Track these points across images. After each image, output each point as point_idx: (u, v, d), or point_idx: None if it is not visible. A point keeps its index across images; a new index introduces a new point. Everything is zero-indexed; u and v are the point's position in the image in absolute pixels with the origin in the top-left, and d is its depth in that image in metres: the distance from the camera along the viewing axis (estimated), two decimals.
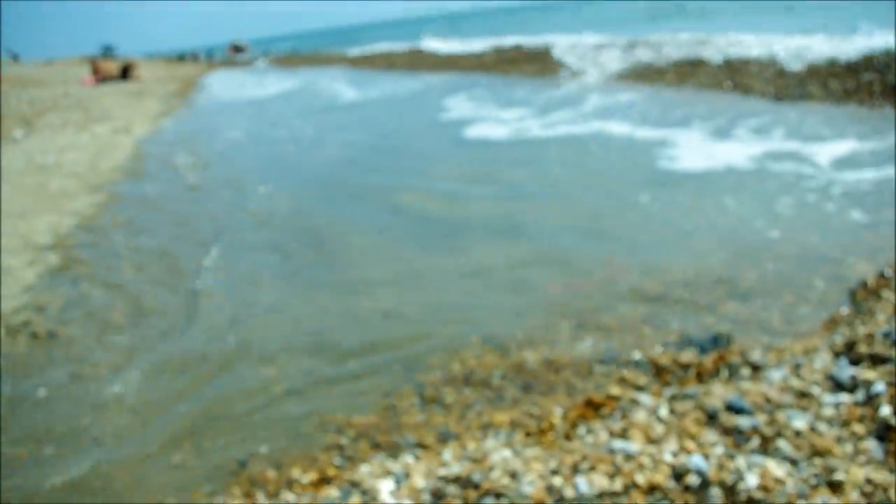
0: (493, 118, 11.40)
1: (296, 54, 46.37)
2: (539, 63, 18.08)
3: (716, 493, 2.09)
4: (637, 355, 3.40)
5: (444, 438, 2.86)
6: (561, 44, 19.27)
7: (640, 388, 3.05)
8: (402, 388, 3.31)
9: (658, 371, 3.22)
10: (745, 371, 2.93)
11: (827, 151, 7.02)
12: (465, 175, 7.58)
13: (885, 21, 11.85)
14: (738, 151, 7.44)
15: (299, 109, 16.01)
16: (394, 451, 2.81)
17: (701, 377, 3.03)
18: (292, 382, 3.48)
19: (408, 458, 2.64)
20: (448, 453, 2.60)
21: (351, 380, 3.45)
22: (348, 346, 3.81)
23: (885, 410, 2.35)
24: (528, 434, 2.72)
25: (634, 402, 2.73)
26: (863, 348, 2.80)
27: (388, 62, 26.79)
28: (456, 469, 2.38)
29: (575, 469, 2.26)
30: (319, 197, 7.29)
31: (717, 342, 3.44)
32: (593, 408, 2.80)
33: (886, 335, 2.86)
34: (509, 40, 22.73)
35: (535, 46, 20.14)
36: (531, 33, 24.47)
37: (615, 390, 2.91)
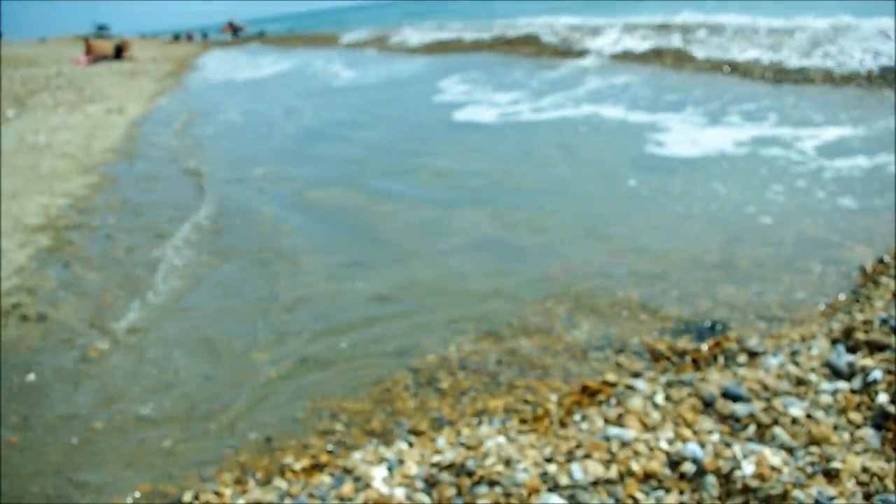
0: (487, 101, 11.28)
1: (292, 34, 46.01)
2: (536, 45, 17.94)
3: (711, 481, 2.07)
4: (633, 341, 3.38)
5: (438, 425, 2.84)
6: (559, 25, 19.10)
7: (636, 375, 3.03)
8: (396, 373, 3.28)
9: (654, 357, 3.20)
10: (742, 358, 2.91)
11: (822, 136, 6.97)
12: (456, 158, 7.52)
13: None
14: (732, 137, 7.37)
15: (294, 91, 15.85)
16: (387, 437, 2.79)
17: (697, 363, 3.01)
18: (285, 367, 3.45)
19: (401, 445, 2.62)
20: (442, 440, 2.57)
21: (344, 364, 3.42)
22: (342, 330, 3.78)
23: (883, 398, 2.34)
24: (522, 420, 2.70)
25: (630, 389, 2.70)
26: (860, 335, 2.78)
27: (383, 45, 26.56)
28: (450, 456, 2.36)
29: (570, 456, 2.24)
30: (313, 183, 7.23)
31: (714, 328, 3.42)
32: (589, 394, 2.78)
33: (884, 322, 2.84)
34: (507, 23, 22.52)
35: (533, 29, 19.95)
36: (531, 15, 24.28)
37: (611, 376, 2.89)
